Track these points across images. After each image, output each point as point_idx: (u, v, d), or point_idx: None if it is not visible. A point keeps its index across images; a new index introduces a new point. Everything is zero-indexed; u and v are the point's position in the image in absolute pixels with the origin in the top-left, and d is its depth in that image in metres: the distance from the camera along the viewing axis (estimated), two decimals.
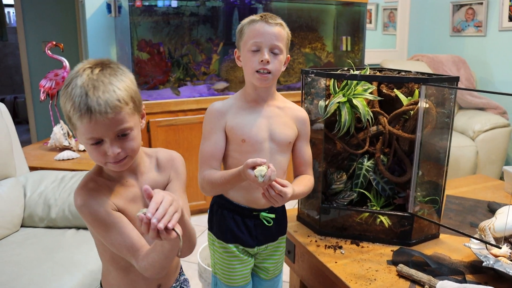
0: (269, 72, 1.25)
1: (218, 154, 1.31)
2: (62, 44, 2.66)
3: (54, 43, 2.63)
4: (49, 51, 2.61)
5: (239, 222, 1.34)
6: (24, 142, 3.09)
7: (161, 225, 0.80)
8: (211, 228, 1.41)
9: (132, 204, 1.04)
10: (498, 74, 3.87)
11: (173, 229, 0.84)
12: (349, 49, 3.70)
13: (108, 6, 3.13)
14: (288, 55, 1.33)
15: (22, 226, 1.91)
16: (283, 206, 1.42)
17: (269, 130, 1.31)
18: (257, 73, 1.25)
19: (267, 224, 1.35)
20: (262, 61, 1.24)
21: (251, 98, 1.33)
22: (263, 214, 1.34)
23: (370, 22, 4.65)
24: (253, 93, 1.32)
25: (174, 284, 1.19)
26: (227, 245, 1.35)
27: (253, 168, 1.11)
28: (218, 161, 1.31)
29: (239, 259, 1.36)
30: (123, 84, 0.94)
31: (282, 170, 1.33)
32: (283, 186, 1.15)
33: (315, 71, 1.51)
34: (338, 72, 1.58)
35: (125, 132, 0.95)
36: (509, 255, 1.30)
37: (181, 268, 1.25)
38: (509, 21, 3.69)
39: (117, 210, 1.01)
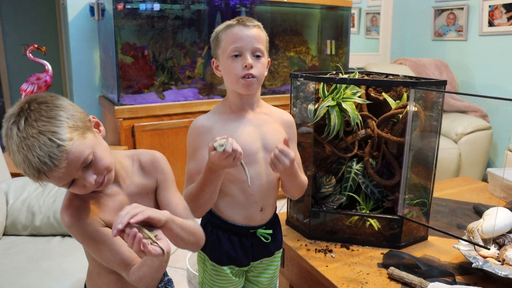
0: (254, 77, 1.19)
1: None
2: (44, 47, 2.61)
3: (36, 46, 2.58)
4: (30, 54, 2.56)
5: (235, 243, 1.28)
6: (4, 148, 3.02)
7: (119, 226, 0.80)
8: (203, 248, 1.30)
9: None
10: (479, 78, 3.94)
11: (157, 244, 0.83)
12: (333, 52, 3.73)
13: (91, 9, 3.09)
14: (269, 59, 1.27)
15: (4, 234, 1.86)
16: (278, 221, 1.39)
17: (261, 139, 1.24)
18: (242, 79, 1.18)
19: (265, 241, 1.29)
20: (245, 66, 1.17)
21: (237, 107, 1.25)
22: (260, 231, 1.29)
23: (353, 26, 4.70)
24: (238, 102, 1.25)
25: (159, 285, 1.18)
26: (221, 267, 1.29)
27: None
28: None
29: (230, 282, 1.31)
30: (54, 122, 0.86)
31: (277, 178, 1.29)
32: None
33: (304, 75, 1.51)
34: (328, 76, 1.58)
35: (88, 162, 0.90)
36: (497, 256, 1.32)
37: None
38: (489, 26, 3.77)
39: (106, 225, 0.99)
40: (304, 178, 1.32)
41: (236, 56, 1.19)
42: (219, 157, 1.04)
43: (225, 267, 1.29)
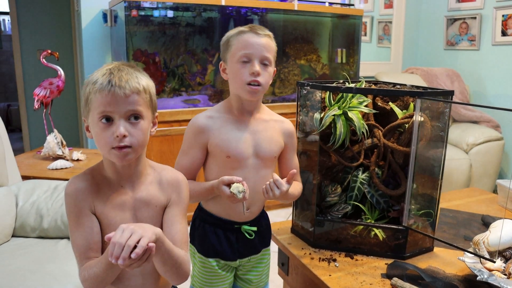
0: (259, 85, 1.23)
1: (194, 170, 1.30)
2: (57, 53, 2.65)
3: (49, 51, 2.62)
4: (44, 60, 2.61)
5: (220, 236, 1.33)
6: (17, 151, 3.06)
7: (120, 262, 0.82)
8: (192, 240, 1.40)
9: (116, 210, 1.03)
10: (492, 88, 3.90)
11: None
12: (344, 61, 3.72)
13: (104, 16, 3.13)
14: (275, 68, 1.31)
15: (13, 236, 1.89)
16: (267, 219, 1.44)
17: (254, 146, 1.29)
18: (248, 86, 1.22)
19: (249, 237, 1.34)
20: (253, 73, 1.21)
21: (237, 111, 1.30)
22: (245, 227, 1.34)
23: (365, 35, 4.69)
24: (239, 107, 1.30)
25: None
26: (207, 259, 1.34)
27: (228, 185, 1.15)
28: (193, 176, 1.30)
29: (218, 276, 1.36)
30: (144, 78, 1.01)
31: (265, 181, 1.30)
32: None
33: (310, 83, 1.51)
34: (334, 84, 1.58)
35: (137, 115, 0.98)
36: (503, 269, 1.30)
37: None
38: (502, 35, 3.74)
39: (95, 213, 1.01)
40: (298, 190, 1.38)
41: (244, 62, 1.22)
42: (230, 197, 1.16)
43: (211, 259, 1.34)
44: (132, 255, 0.82)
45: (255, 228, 1.36)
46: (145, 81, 1.01)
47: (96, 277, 0.94)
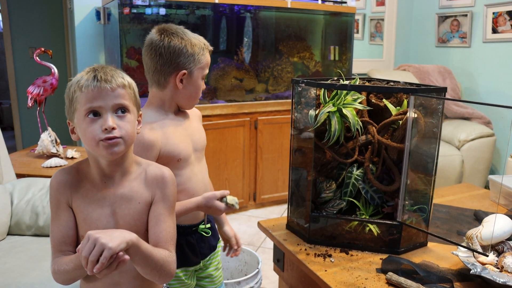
0: None
1: None
2: (50, 51, 2.64)
3: (42, 49, 2.61)
4: (37, 58, 2.59)
5: (183, 243, 1.36)
6: (9, 149, 3.04)
7: (95, 271, 0.85)
8: None
9: (94, 205, 1.03)
10: (483, 85, 3.95)
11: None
12: (337, 58, 3.74)
13: (97, 13, 3.12)
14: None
15: (8, 234, 1.89)
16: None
17: (192, 142, 1.38)
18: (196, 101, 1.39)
19: (206, 235, 1.42)
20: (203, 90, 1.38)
21: (173, 109, 1.39)
22: (201, 226, 1.41)
23: (357, 32, 4.72)
24: (174, 106, 1.38)
25: None
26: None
27: (220, 199, 1.28)
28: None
29: (183, 285, 1.40)
30: (127, 76, 1.03)
31: (207, 171, 1.45)
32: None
33: (305, 80, 1.52)
34: (329, 82, 1.59)
35: (123, 108, 0.99)
36: (496, 263, 1.33)
37: None
38: (492, 33, 3.78)
39: (71, 207, 1.03)
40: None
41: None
42: (226, 208, 1.30)
43: (178, 270, 1.37)
44: (94, 270, 0.84)
45: (209, 225, 1.44)
46: (129, 78, 1.03)
47: (66, 273, 0.98)
